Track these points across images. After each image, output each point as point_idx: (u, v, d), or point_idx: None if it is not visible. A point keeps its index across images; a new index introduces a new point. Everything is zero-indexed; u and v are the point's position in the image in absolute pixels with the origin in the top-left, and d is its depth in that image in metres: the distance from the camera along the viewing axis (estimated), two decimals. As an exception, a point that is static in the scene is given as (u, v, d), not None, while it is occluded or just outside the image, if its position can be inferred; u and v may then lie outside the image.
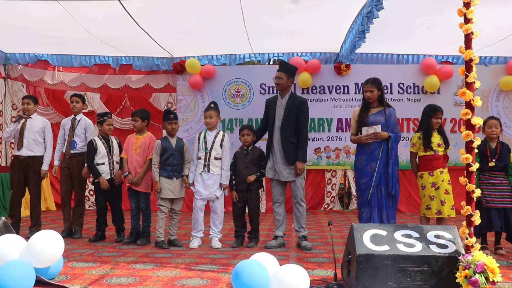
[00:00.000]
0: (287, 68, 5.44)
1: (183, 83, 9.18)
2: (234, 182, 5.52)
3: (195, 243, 5.35)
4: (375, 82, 5.07)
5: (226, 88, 9.14)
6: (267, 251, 4.30)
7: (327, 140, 9.04)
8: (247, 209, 5.57)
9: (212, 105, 5.55)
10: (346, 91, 9.02)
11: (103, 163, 5.77)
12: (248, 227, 5.59)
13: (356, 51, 8.03)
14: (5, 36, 7.83)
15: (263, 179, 5.67)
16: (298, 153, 5.27)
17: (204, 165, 5.40)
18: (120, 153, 5.83)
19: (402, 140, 8.68)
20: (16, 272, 3.24)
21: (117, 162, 5.81)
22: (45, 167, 6.05)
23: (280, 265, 3.39)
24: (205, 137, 5.49)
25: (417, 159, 5.34)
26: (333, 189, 9.27)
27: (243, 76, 9.13)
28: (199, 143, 5.50)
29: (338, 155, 9.04)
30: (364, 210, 4.95)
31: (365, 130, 4.99)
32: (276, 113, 5.39)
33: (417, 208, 5.46)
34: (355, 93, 8.95)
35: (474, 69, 3.30)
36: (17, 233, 5.26)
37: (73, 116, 6.17)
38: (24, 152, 5.94)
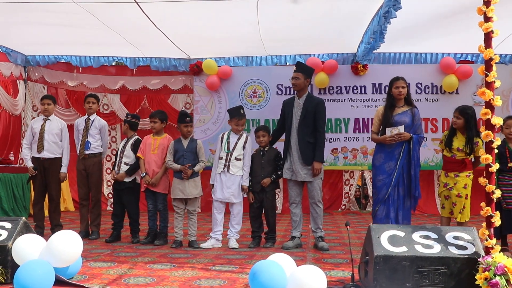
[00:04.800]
0: (303, 69, 5.44)
1: (200, 84, 9.21)
2: (250, 184, 5.54)
3: (207, 243, 5.37)
4: (404, 79, 4.98)
5: (243, 89, 9.16)
6: (284, 252, 4.30)
7: (344, 140, 8.99)
8: (263, 209, 5.58)
9: (242, 111, 5.54)
10: (363, 91, 8.97)
11: (115, 163, 5.90)
12: (265, 227, 5.60)
13: (374, 51, 7.97)
14: (25, 38, 7.96)
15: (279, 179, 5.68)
16: (315, 154, 5.25)
17: (225, 165, 5.42)
18: (134, 154, 5.81)
19: (420, 141, 8.61)
20: (36, 272, 3.28)
21: (125, 163, 5.78)
22: (64, 169, 6.10)
23: (297, 266, 3.38)
24: (228, 138, 5.51)
25: None
26: (350, 190, 9.22)
27: (260, 76, 9.13)
28: (221, 143, 5.51)
29: (355, 156, 8.99)
30: (379, 208, 4.89)
31: (389, 131, 4.88)
32: (294, 114, 5.39)
33: (435, 209, 5.42)
34: (373, 93, 8.89)
35: (494, 68, 3.25)
36: (41, 235, 5.34)
37: (86, 116, 6.19)
38: (46, 154, 5.99)
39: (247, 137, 5.55)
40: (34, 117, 9.06)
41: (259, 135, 5.58)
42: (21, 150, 8.82)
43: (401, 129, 4.83)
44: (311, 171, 5.26)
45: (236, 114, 5.51)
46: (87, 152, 6.04)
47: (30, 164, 6.02)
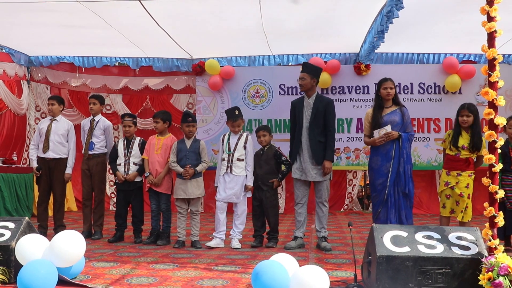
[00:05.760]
0: (309, 69, 5.45)
1: (202, 84, 9.21)
2: None
3: (212, 242, 5.38)
4: (392, 80, 5.04)
5: (245, 89, 9.15)
6: (287, 252, 4.29)
7: (347, 140, 8.98)
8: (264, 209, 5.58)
9: (237, 112, 5.50)
10: (366, 91, 8.96)
11: (119, 164, 5.84)
12: (267, 227, 5.60)
13: (376, 51, 7.96)
14: (28, 39, 7.97)
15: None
16: (326, 153, 5.27)
17: (227, 167, 5.42)
18: (141, 155, 5.83)
19: (422, 141, 8.61)
20: (39, 272, 3.29)
21: (134, 163, 5.78)
22: (69, 170, 6.10)
23: (300, 266, 3.38)
24: (229, 139, 5.51)
25: None
26: (353, 190, 9.21)
27: (263, 76, 9.13)
28: (223, 145, 5.53)
29: (358, 156, 8.98)
30: (381, 210, 4.90)
31: (377, 133, 4.94)
32: (304, 114, 5.39)
33: (438, 209, 5.40)
34: (375, 93, 8.85)
35: (497, 68, 3.24)
36: (45, 235, 5.35)
37: (91, 117, 6.20)
38: (51, 154, 5.99)
39: (247, 137, 5.55)
40: (37, 118, 9.14)
41: (260, 135, 5.60)
42: (25, 150, 8.86)
43: (388, 128, 4.88)
44: (321, 170, 5.27)
45: (230, 116, 5.50)
46: (91, 152, 6.04)
47: (35, 165, 6.03)
